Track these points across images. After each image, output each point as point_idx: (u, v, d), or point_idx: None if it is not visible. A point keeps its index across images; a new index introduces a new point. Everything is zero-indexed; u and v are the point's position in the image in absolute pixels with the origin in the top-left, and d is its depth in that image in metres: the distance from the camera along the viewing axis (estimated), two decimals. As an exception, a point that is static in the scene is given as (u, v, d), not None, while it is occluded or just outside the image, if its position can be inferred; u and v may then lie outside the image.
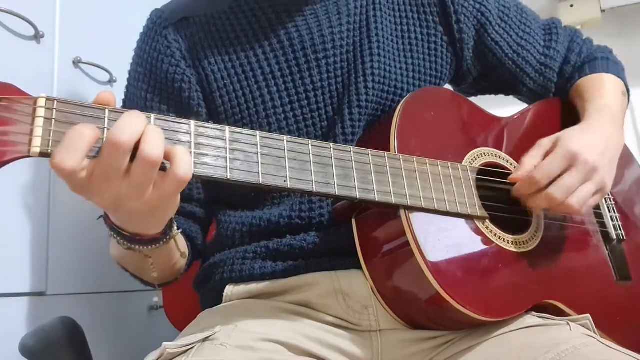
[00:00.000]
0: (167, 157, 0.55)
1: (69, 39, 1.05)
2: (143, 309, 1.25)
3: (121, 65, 1.10)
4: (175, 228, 0.70)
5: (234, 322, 0.71)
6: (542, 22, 1.02)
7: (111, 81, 1.19)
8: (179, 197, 0.61)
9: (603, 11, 2.05)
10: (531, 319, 0.73)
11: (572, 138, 0.78)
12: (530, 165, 0.77)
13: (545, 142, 0.80)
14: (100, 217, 0.67)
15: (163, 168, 0.55)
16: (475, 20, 0.92)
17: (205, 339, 0.68)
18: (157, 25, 0.86)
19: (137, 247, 0.66)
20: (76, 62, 1.08)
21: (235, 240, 0.82)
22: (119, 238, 0.65)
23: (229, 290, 0.79)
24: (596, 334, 0.71)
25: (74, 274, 1.03)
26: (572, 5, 2.09)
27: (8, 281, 0.88)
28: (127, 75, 0.89)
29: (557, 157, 0.76)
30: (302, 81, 0.82)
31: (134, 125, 0.53)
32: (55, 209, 0.98)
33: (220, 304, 0.79)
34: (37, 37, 0.97)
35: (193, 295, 0.89)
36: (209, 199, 0.87)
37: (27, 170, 0.94)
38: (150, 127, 0.54)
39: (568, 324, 0.71)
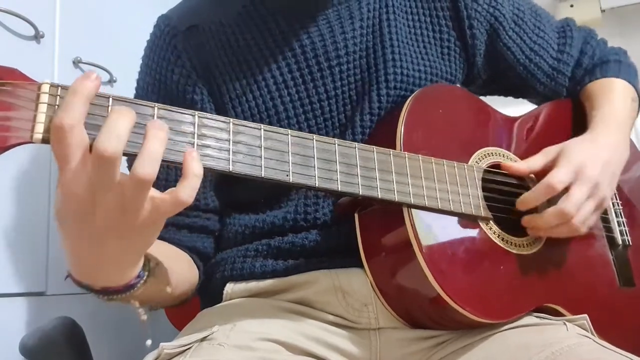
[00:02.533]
0: (182, 172, 0.52)
1: (69, 39, 1.05)
2: (143, 309, 1.25)
3: (121, 65, 1.11)
4: (152, 263, 0.63)
5: (232, 321, 0.71)
6: (556, 24, 1.00)
7: (111, 81, 1.19)
8: (163, 223, 0.55)
9: (603, 11, 2.05)
10: (527, 318, 0.73)
11: (577, 150, 0.78)
12: (535, 166, 0.78)
13: (551, 150, 0.80)
14: (67, 277, 0.59)
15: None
16: (488, 24, 0.90)
17: (203, 339, 0.68)
18: (165, 33, 0.83)
19: (115, 296, 0.60)
20: (76, 62, 1.08)
21: (238, 240, 0.81)
22: (92, 293, 0.59)
23: (229, 288, 0.79)
24: (594, 334, 0.72)
25: (74, 274, 1.03)
26: (572, 5, 2.09)
27: (8, 281, 0.89)
28: (135, 85, 0.87)
29: (565, 169, 0.76)
30: (315, 90, 0.80)
31: (121, 133, 0.48)
32: (55, 208, 0.98)
33: (220, 302, 0.79)
34: (37, 37, 0.97)
35: (193, 295, 0.89)
36: (222, 204, 0.85)
37: (27, 170, 0.94)
38: (150, 134, 0.50)
39: (564, 323, 0.71)
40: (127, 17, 1.24)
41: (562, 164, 0.77)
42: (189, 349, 0.67)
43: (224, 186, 0.83)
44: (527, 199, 0.76)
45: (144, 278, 0.61)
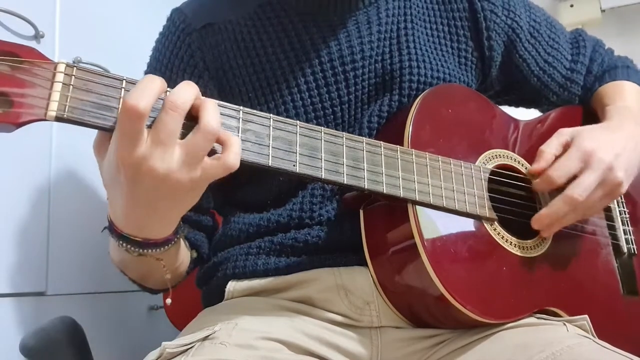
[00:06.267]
0: (221, 142, 0.56)
1: (69, 39, 1.05)
2: (143, 309, 1.25)
3: (121, 65, 1.10)
4: (183, 229, 0.70)
5: (234, 320, 0.71)
6: (569, 34, 1.01)
7: (111, 81, 1.18)
8: (205, 187, 0.60)
9: (603, 11, 2.05)
10: (527, 318, 0.73)
11: (589, 136, 0.77)
12: (551, 156, 0.76)
13: (563, 133, 0.78)
14: (105, 228, 0.65)
15: (211, 152, 0.56)
16: (505, 36, 0.90)
17: (205, 338, 0.68)
18: (180, 30, 0.83)
19: (149, 251, 0.65)
20: (76, 62, 1.08)
21: (241, 239, 0.81)
22: (129, 246, 0.63)
23: (231, 286, 0.79)
24: (594, 335, 0.72)
25: (74, 274, 1.03)
26: (572, 5, 2.08)
27: (8, 281, 0.88)
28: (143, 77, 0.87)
29: (572, 156, 0.75)
30: (328, 95, 0.80)
31: (189, 92, 0.55)
32: (55, 208, 0.98)
33: (222, 300, 0.79)
34: (37, 37, 0.97)
35: (193, 295, 0.89)
36: (218, 205, 0.86)
37: (27, 170, 0.94)
38: (209, 100, 0.56)
39: (564, 324, 0.71)
40: (127, 17, 1.24)
41: (570, 152, 0.75)
42: (191, 347, 0.67)
43: (230, 186, 0.83)
44: (535, 185, 0.77)
45: (178, 236, 0.68)
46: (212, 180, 0.58)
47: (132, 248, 0.64)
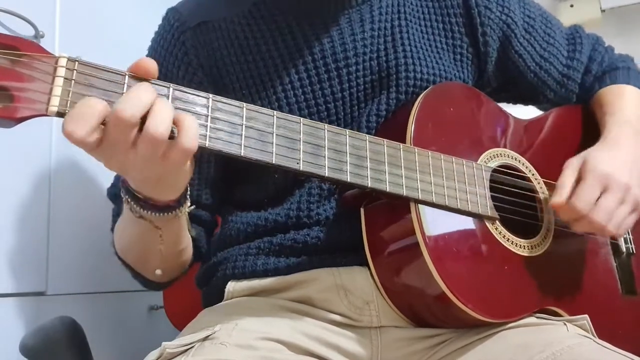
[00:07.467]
0: (176, 124, 0.54)
1: (69, 39, 1.05)
2: (143, 309, 1.25)
3: (121, 65, 1.10)
4: (189, 203, 0.68)
5: (234, 320, 0.71)
6: (565, 30, 1.00)
7: (111, 81, 1.18)
8: (188, 165, 0.59)
9: (603, 11, 2.05)
10: (528, 318, 0.73)
11: (600, 159, 0.77)
12: (569, 188, 0.75)
13: (575, 163, 0.78)
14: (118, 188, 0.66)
15: (171, 136, 0.54)
16: (500, 32, 0.90)
17: (205, 338, 0.68)
18: (175, 28, 0.83)
19: (148, 213, 0.64)
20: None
21: (240, 239, 0.81)
22: (132, 203, 0.63)
23: (231, 286, 0.79)
24: (594, 335, 0.72)
25: (74, 274, 1.03)
26: (572, 5, 2.08)
27: (8, 281, 0.88)
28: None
29: (592, 183, 0.74)
30: (321, 92, 0.80)
31: (141, 99, 0.52)
32: (55, 207, 0.98)
33: (222, 300, 0.79)
34: (37, 37, 0.97)
35: (193, 295, 0.89)
36: (217, 202, 0.86)
37: (27, 169, 0.94)
38: (159, 101, 0.53)
39: (565, 324, 0.71)
40: (127, 17, 1.24)
41: (588, 180, 0.75)
42: (191, 348, 0.67)
43: (227, 184, 0.84)
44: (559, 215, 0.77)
45: (182, 206, 0.66)
46: (181, 164, 0.57)
47: (135, 205, 0.63)
